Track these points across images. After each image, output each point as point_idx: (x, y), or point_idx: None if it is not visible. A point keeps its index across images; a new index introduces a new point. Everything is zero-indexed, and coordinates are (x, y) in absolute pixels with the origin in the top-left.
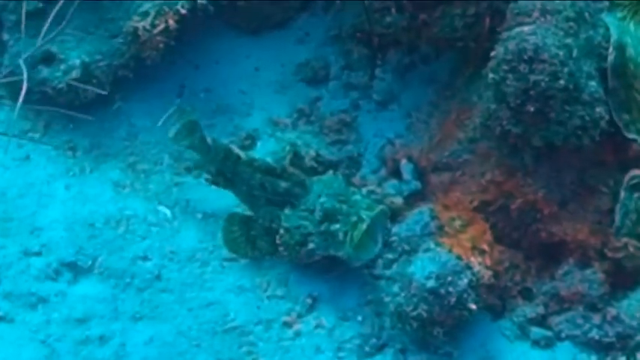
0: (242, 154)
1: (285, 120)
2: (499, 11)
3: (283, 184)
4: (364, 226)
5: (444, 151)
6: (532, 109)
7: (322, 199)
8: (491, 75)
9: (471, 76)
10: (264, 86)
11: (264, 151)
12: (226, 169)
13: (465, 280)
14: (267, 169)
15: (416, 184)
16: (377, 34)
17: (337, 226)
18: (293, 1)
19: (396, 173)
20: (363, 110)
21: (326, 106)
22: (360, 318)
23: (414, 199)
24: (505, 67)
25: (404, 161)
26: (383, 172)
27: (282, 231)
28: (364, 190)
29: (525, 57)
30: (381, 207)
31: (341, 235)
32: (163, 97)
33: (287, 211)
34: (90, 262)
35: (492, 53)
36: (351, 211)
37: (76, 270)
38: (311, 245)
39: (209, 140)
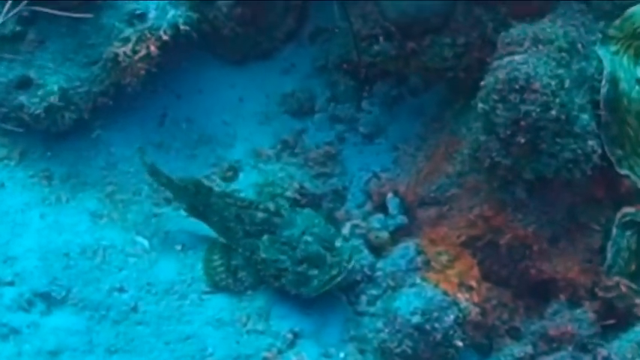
0: (214, 186)
1: (268, 151)
2: (490, 41)
3: (260, 215)
4: (338, 279)
5: (432, 185)
6: (523, 140)
7: (307, 238)
8: (480, 105)
9: (460, 109)
10: (248, 117)
11: (247, 182)
12: (198, 203)
13: (452, 317)
14: (242, 201)
15: (402, 219)
16: (364, 64)
17: (315, 272)
18: (279, 32)
19: (381, 207)
20: (349, 143)
21: (311, 139)
22: (342, 355)
23: (399, 234)
24: (495, 97)
25: (390, 195)
26: (368, 206)
27: (259, 260)
28: (348, 225)
29: (516, 86)
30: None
31: (315, 282)
32: (144, 125)
33: (265, 240)
34: (64, 293)
35: (482, 83)
36: (334, 262)
37: (49, 301)
38: (283, 281)
39: (176, 177)
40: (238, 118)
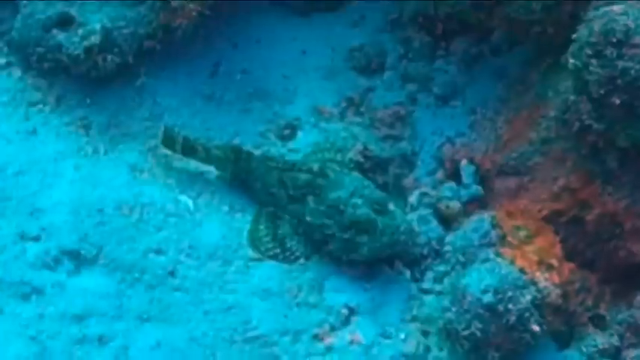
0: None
1: (331, 109)
2: None
3: (303, 177)
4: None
5: (512, 152)
6: (618, 101)
7: (355, 201)
8: (571, 60)
9: (547, 69)
10: (311, 72)
11: (306, 142)
12: (240, 171)
13: (528, 297)
14: (284, 163)
15: (477, 189)
16: (442, 17)
17: (365, 238)
18: None
19: (454, 176)
20: (421, 104)
21: (379, 98)
22: (402, 336)
23: (473, 205)
24: (589, 52)
25: (464, 162)
26: (440, 174)
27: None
28: (416, 193)
29: (613, 40)
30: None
31: (365, 250)
32: (194, 75)
33: (311, 202)
34: (95, 252)
35: (574, 36)
36: (386, 227)
37: (78, 259)
38: (330, 247)
39: (214, 143)
40: (299, 73)
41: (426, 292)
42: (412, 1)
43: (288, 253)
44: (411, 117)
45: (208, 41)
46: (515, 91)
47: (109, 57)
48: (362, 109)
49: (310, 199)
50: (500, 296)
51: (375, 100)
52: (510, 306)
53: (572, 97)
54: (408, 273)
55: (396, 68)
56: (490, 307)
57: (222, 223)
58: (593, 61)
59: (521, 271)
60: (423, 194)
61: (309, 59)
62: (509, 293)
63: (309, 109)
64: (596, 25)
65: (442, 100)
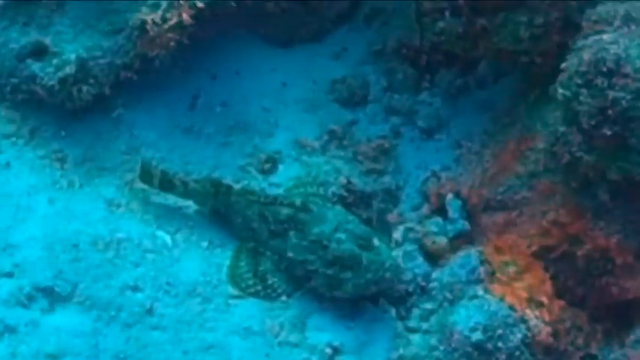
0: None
1: (313, 142)
2: (572, 23)
3: (285, 211)
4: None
5: (499, 186)
6: (609, 132)
7: (339, 236)
8: (560, 90)
9: (535, 101)
10: (292, 104)
11: (287, 175)
12: (219, 205)
13: (519, 335)
14: (265, 197)
15: (463, 224)
16: (427, 47)
17: (349, 275)
18: (330, 11)
19: (440, 211)
20: (406, 138)
21: (362, 131)
22: None
23: (459, 241)
24: (578, 81)
25: (450, 197)
26: (425, 209)
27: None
28: (401, 228)
29: (604, 69)
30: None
31: (349, 287)
32: (172, 107)
33: (293, 237)
34: (69, 289)
35: (563, 65)
36: (371, 263)
37: (52, 297)
38: (313, 283)
39: (192, 177)
40: (280, 105)
41: (413, 330)
42: (395, 32)
43: (269, 290)
44: (395, 150)
45: (187, 72)
46: (501, 123)
47: (85, 88)
48: (345, 142)
49: (292, 234)
50: (489, 334)
51: (358, 133)
52: (500, 344)
53: (561, 129)
54: (393, 311)
55: (379, 101)
56: (479, 346)
57: (201, 259)
58: (584, 90)
59: (511, 308)
60: (409, 229)
61: (289, 91)
62: (499, 331)
63: (290, 142)
64: (585, 54)
65: (427, 133)
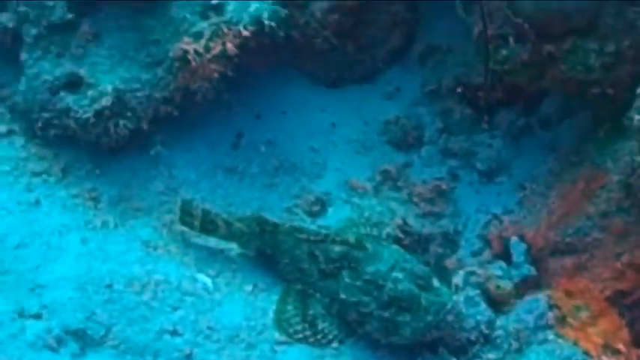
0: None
1: (364, 184)
2: None
3: (337, 249)
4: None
5: (568, 228)
6: None
7: (396, 275)
8: (637, 117)
9: (605, 137)
10: (341, 145)
11: (337, 218)
12: (265, 245)
13: None
14: (316, 235)
15: (529, 269)
16: (487, 84)
17: (407, 318)
18: (382, 49)
19: (503, 256)
20: (464, 181)
21: (417, 174)
22: None
23: (525, 287)
24: None
25: (515, 239)
26: (486, 254)
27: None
28: (462, 273)
29: None
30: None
31: (407, 331)
32: (215, 145)
33: (346, 277)
34: (103, 332)
35: (639, 90)
36: (431, 304)
37: (83, 340)
38: (367, 328)
39: (236, 216)
40: (329, 145)
41: None
42: (452, 70)
43: (319, 336)
44: (453, 193)
45: (230, 111)
46: (568, 162)
47: (122, 122)
48: (399, 184)
49: (345, 273)
50: None
51: (413, 176)
52: None
53: (638, 159)
54: None
55: (435, 142)
56: None
57: (245, 303)
58: None
59: (586, 353)
60: (470, 273)
61: (339, 132)
62: None
63: (340, 184)
64: None
65: (486, 176)
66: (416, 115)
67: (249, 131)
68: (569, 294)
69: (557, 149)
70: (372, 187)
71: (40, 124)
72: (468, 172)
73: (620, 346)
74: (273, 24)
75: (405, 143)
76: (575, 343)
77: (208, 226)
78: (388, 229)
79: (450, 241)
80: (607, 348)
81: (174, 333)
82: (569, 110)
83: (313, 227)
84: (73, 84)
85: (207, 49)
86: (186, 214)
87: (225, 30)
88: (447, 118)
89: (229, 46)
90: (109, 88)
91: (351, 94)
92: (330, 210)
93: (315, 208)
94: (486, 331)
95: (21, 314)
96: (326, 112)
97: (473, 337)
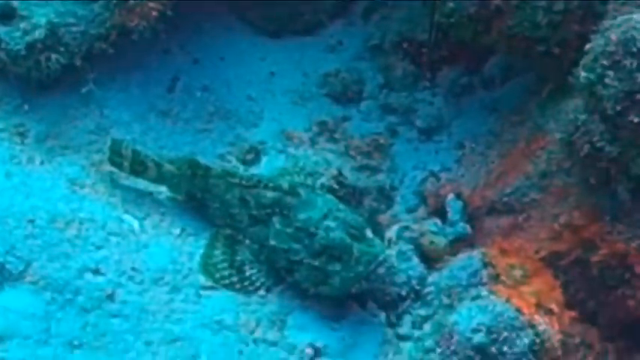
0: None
1: (301, 134)
2: (594, 13)
3: (270, 195)
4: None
5: (506, 187)
6: (637, 119)
7: (329, 223)
8: (583, 74)
9: (549, 97)
10: (279, 95)
11: (271, 167)
12: (195, 189)
13: (526, 340)
14: (248, 180)
15: (464, 227)
16: (431, 41)
17: (337, 267)
18: (326, 3)
19: (438, 213)
20: (402, 138)
21: (355, 128)
22: None
23: (459, 245)
24: (604, 62)
25: (451, 196)
26: (421, 211)
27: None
28: (395, 227)
29: (633, 49)
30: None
31: (337, 281)
32: (149, 88)
33: (277, 223)
34: (22, 267)
35: (587, 46)
36: (363, 255)
37: (2, 274)
38: (295, 276)
39: (167, 158)
40: (267, 94)
41: (403, 338)
42: (395, 25)
43: (246, 283)
44: (391, 149)
45: (167, 53)
46: (509, 122)
47: (54, 56)
48: (336, 136)
49: (276, 219)
50: (493, 336)
51: (351, 130)
52: (505, 348)
53: (582, 117)
54: (382, 316)
55: (375, 98)
56: (481, 349)
57: (171, 247)
58: (610, 73)
59: (518, 310)
60: (404, 228)
61: (277, 81)
62: (505, 334)
63: (275, 134)
64: (613, 34)
65: (425, 133)
66: (357, 70)
67: (186, 75)
68: (503, 252)
69: (499, 109)
70: (308, 139)
71: None
72: (407, 129)
73: (553, 306)
74: None
75: (345, 97)
76: (508, 301)
77: (138, 167)
78: (322, 180)
79: (386, 197)
80: (540, 307)
81: (96, 272)
82: (512, 72)
83: (246, 172)
84: (6, 15)
85: None
86: (116, 155)
87: None
88: (388, 74)
89: None
90: (43, 20)
91: (292, 46)
92: (265, 159)
93: (249, 157)
94: (417, 287)
95: None
96: (265, 61)
97: (403, 293)
